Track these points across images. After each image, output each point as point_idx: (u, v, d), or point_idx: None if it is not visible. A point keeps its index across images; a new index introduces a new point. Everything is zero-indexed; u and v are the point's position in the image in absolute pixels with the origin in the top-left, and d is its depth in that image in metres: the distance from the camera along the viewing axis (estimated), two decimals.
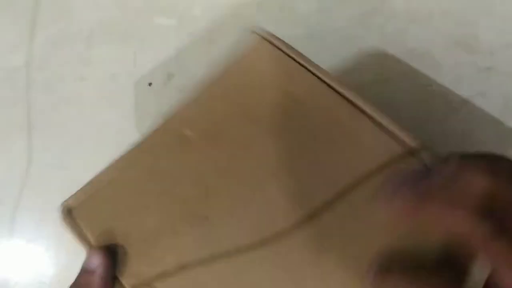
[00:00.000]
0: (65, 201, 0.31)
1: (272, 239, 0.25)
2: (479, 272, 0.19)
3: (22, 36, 0.50)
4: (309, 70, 0.29)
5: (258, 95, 0.30)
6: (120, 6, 0.49)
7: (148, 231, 0.28)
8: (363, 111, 0.29)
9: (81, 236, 0.30)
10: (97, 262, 0.26)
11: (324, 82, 0.29)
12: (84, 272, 0.27)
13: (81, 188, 0.32)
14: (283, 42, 0.30)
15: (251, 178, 0.27)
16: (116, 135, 0.47)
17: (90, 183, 0.32)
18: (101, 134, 0.47)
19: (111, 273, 0.27)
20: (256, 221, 0.26)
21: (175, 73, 0.47)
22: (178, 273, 0.26)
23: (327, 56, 0.42)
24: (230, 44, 0.46)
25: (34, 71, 0.49)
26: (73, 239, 0.30)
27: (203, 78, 0.31)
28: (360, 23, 0.45)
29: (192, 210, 0.28)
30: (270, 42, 0.30)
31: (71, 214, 0.31)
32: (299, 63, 0.30)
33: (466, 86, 0.44)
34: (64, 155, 0.47)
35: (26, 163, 0.47)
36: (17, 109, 0.48)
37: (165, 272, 0.27)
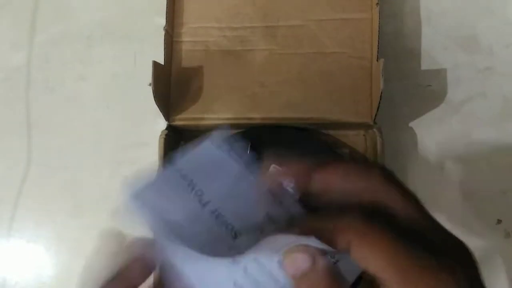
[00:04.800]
0: None
1: None
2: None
3: (22, 36, 0.50)
4: None
5: None
6: (120, 6, 0.49)
7: None
8: None
9: None
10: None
11: None
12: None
13: None
14: None
15: None
16: (115, 135, 0.47)
17: None
18: (101, 134, 0.47)
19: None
20: None
21: None
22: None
23: None
24: None
25: (34, 71, 0.49)
26: None
27: None
28: None
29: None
30: None
31: None
32: None
33: (466, 86, 0.44)
34: (64, 154, 0.47)
35: (25, 163, 0.47)
36: (17, 108, 0.48)
37: None
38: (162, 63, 0.41)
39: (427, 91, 0.44)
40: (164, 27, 0.42)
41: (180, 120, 0.42)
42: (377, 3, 0.40)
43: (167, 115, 0.42)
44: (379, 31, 0.40)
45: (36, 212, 0.46)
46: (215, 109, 0.42)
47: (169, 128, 0.42)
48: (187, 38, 0.44)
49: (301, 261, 0.21)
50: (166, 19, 0.42)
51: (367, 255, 0.20)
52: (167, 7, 0.42)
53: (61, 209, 0.46)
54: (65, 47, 0.49)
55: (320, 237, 0.20)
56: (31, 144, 0.48)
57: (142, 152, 0.46)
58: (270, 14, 0.43)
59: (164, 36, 0.42)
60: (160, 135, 0.40)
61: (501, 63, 0.44)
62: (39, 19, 0.50)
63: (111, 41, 0.49)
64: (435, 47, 0.45)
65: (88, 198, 0.46)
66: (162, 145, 0.40)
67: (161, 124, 0.42)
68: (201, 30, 0.44)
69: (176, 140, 0.43)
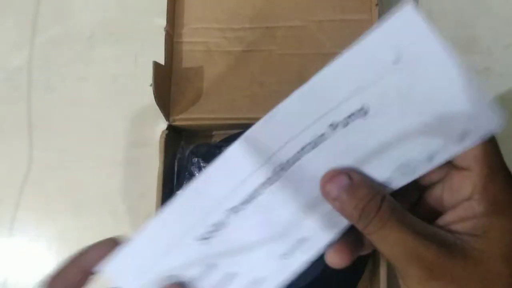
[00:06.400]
0: None
1: None
2: None
3: (23, 36, 0.50)
4: None
5: None
6: (121, 7, 0.50)
7: None
8: None
9: None
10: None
11: None
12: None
13: None
14: None
15: None
16: (116, 135, 0.47)
17: None
18: (101, 134, 0.47)
19: None
20: None
21: None
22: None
23: None
24: None
25: (35, 71, 0.49)
26: None
27: None
28: None
29: None
30: None
31: None
32: None
33: None
34: (65, 154, 0.47)
35: (26, 163, 0.47)
36: (18, 109, 0.48)
37: None
38: (163, 63, 0.41)
39: None
40: (165, 28, 0.42)
41: (181, 120, 0.42)
42: (377, 4, 0.41)
43: (167, 115, 0.42)
44: None
45: (37, 212, 0.46)
46: (215, 109, 0.42)
47: (170, 128, 0.42)
48: (188, 39, 0.44)
49: (339, 180, 0.22)
50: (166, 19, 0.42)
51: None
52: (167, 8, 0.43)
53: (62, 209, 0.46)
54: (66, 47, 0.49)
55: None
56: (32, 144, 0.48)
57: (143, 152, 0.46)
58: (270, 15, 0.43)
59: (165, 36, 0.42)
60: (161, 135, 0.41)
61: (499, 63, 0.44)
62: (40, 20, 0.50)
63: (112, 41, 0.49)
64: None
65: (89, 198, 0.46)
66: (162, 145, 0.40)
67: (161, 124, 0.42)
68: (201, 30, 0.44)
69: (176, 140, 0.43)
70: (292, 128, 0.23)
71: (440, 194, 0.23)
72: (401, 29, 0.21)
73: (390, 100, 0.22)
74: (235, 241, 0.24)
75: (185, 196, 0.23)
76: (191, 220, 0.23)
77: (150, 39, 0.48)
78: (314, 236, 0.24)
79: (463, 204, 0.22)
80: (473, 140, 0.21)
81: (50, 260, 0.45)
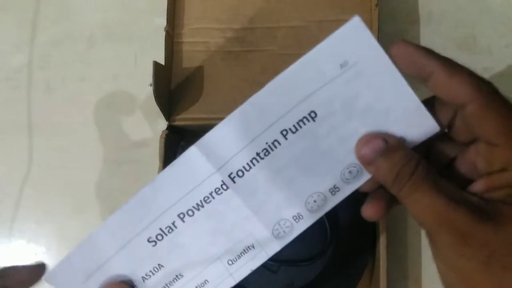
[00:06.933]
0: None
1: None
2: None
3: (24, 37, 0.50)
4: None
5: None
6: (121, 7, 0.50)
7: None
8: None
9: None
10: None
11: None
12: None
13: None
14: None
15: None
16: (116, 134, 0.47)
17: None
18: (101, 134, 0.47)
19: None
20: None
21: None
22: None
23: None
24: None
25: (35, 71, 0.49)
26: None
27: None
28: None
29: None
30: None
31: None
32: None
33: None
34: (64, 154, 0.47)
35: (26, 163, 0.47)
36: (18, 109, 0.48)
37: None
38: (163, 63, 0.41)
39: (426, 91, 0.44)
40: (165, 28, 0.42)
41: (181, 120, 0.42)
42: (377, 4, 0.41)
43: (167, 115, 0.42)
44: (378, 32, 0.40)
45: (37, 212, 0.46)
46: (215, 109, 0.42)
47: (169, 128, 0.42)
48: (188, 39, 0.44)
49: (375, 143, 0.22)
50: (166, 19, 0.42)
51: (487, 115, 0.21)
52: (167, 8, 0.43)
53: (62, 209, 0.46)
54: (66, 47, 0.49)
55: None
56: (32, 144, 0.48)
57: (142, 152, 0.46)
58: (270, 15, 0.43)
59: (165, 36, 0.42)
60: (161, 135, 0.41)
61: (500, 63, 0.44)
62: (40, 20, 0.50)
63: (112, 41, 0.49)
64: (434, 48, 0.44)
65: (88, 198, 0.46)
66: (162, 145, 0.40)
67: (161, 124, 0.42)
68: (201, 30, 0.44)
69: (176, 140, 0.43)
70: (246, 134, 0.23)
71: (474, 160, 0.23)
72: (348, 39, 0.22)
73: (334, 105, 0.22)
74: (184, 245, 0.24)
75: (137, 199, 0.24)
76: (142, 223, 0.24)
77: (150, 39, 0.48)
78: (261, 245, 0.24)
79: (497, 174, 0.22)
80: (412, 143, 0.22)
81: (50, 260, 0.45)
